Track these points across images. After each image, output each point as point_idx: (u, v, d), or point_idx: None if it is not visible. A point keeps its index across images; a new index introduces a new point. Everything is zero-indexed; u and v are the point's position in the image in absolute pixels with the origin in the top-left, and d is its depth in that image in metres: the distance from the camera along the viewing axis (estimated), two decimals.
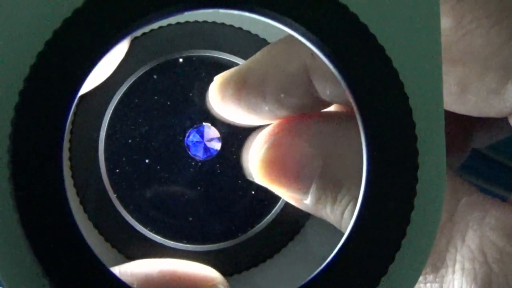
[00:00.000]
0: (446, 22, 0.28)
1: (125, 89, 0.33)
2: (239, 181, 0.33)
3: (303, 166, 0.28)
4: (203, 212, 0.33)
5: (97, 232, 0.32)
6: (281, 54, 0.28)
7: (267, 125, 0.30)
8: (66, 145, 0.32)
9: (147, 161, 0.33)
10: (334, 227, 0.29)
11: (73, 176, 0.32)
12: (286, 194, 0.29)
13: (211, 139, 0.32)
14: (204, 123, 0.32)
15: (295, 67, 0.28)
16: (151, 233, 0.33)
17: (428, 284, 0.28)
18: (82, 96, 0.32)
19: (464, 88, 0.28)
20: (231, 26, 0.33)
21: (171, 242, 0.33)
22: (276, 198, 0.33)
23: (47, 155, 0.23)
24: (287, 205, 0.32)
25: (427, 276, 0.28)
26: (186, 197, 0.33)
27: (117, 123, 0.32)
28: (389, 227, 0.24)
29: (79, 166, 0.32)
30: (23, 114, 0.23)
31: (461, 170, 0.40)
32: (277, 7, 0.24)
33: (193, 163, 0.33)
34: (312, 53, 0.26)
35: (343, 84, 0.24)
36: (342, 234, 0.24)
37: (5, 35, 0.24)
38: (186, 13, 0.24)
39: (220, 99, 0.29)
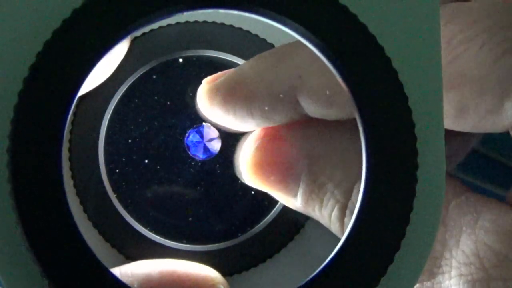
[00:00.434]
0: None
1: (125, 89, 0.33)
2: (239, 181, 0.33)
3: (288, 169, 0.29)
4: (203, 212, 0.33)
5: (96, 232, 0.32)
6: (269, 73, 0.28)
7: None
8: (66, 145, 0.32)
9: (146, 161, 0.33)
10: None
11: (73, 176, 0.32)
12: (278, 196, 0.30)
13: (211, 139, 0.32)
14: (204, 123, 0.32)
15: (282, 87, 0.28)
16: (151, 233, 0.33)
17: None
18: (82, 96, 0.32)
19: (462, 111, 0.28)
20: (231, 26, 0.33)
21: (171, 242, 0.33)
22: (276, 199, 0.33)
23: (47, 155, 0.23)
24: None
25: (424, 282, 0.28)
26: (186, 197, 0.33)
27: (117, 123, 0.32)
28: (389, 227, 0.24)
29: (79, 166, 0.32)
30: (22, 114, 0.23)
31: (456, 169, 0.40)
32: (277, 8, 0.24)
33: (193, 163, 0.33)
34: (301, 75, 0.27)
35: (343, 84, 0.24)
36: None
37: (5, 35, 0.24)
38: (186, 13, 0.24)
39: (208, 105, 0.29)
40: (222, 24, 0.33)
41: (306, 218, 0.33)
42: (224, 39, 0.33)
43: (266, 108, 0.28)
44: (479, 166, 0.45)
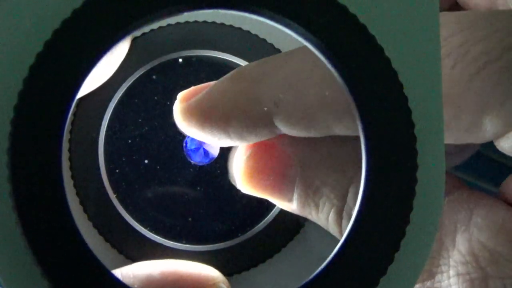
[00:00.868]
0: None
1: (125, 89, 0.33)
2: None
3: (282, 175, 0.29)
4: (203, 212, 0.33)
5: (97, 232, 0.32)
6: (244, 97, 0.28)
7: None
8: (66, 145, 0.32)
9: (146, 161, 0.33)
10: None
11: (73, 176, 0.32)
12: (274, 201, 0.30)
13: (209, 144, 0.32)
14: None
15: (257, 112, 0.28)
16: (151, 233, 0.33)
17: None
18: (82, 96, 0.32)
19: None
20: (231, 26, 0.33)
21: (171, 242, 0.33)
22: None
23: (47, 155, 0.23)
24: None
25: (424, 282, 0.28)
26: (186, 197, 0.33)
27: (117, 124, 0.32)
28: (389, 227, 0.24)
29: (79, 166, 0.32)
30: (22, 114, 0.23)
31: (455, 168, 0.40)
32: (276, 8, 0.24)
33: (193, 163, 0.33)
34: (275, 100, 0.27)
35: (342, 84, 0.24)
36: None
37: (4, 35, 0.24)
38: (186, 13, 0.24)
39: (184, 125, 0.29)
40: (222, 24, 0.33)
41: (306, 218, 0.33)
42: (224, 39, 0.33)
43: (243, 132, 0.28)
44: (473, 164, 0.45)
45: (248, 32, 0.33)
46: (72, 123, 0.32)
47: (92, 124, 0.32)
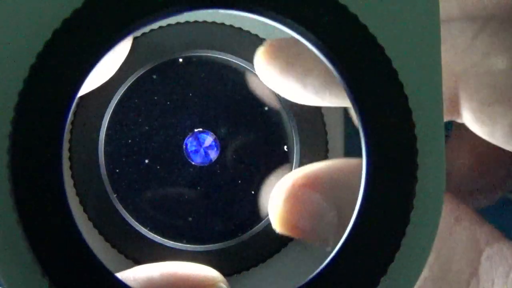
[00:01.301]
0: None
1: (125, 89, 0.33)
2: (239, 181, 0.33)
3: (318, 219, 0.29)
4: (203, 212, 0.33)
5: (97, 232, 0.32)
6: None
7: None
8: (66, 145, 0.32)
9: (147, 161, 0.33)
10: None
11: (73, 176, 0.32)
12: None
13: (209, 145, 0.32)
14: (198, 130, 0.32)
15: None
16: (151, 233, 0.33)
17: None
18: (82, 96, 0.32)
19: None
20: (231, 26, 0.33)
21: (171, 242, 0.33)
22: None
23: (47, 155, 0.23)
24: None
25: None
26: (186, 197, 0.33)
27: (117, 124, 0.32)
28: (389, 227, 0.24)
29: (79, 166, 0.32)
30: (22, 114, 0.23)
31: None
32: (277, 8, 0.24)
33: (193, 163, 0.33)
34: None
35: (343, 84, 0.24)
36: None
37: (5, 35, 0.24)
38: (186, 13, 0.24)
39: (265, 66, 0.29)
40: (222, 24, 0.33)
41: None
42: (224, 39, 0.33)
43: (320, 85, 0.28)
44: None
45: (248, 32, 0.33)
46: (72, 123, 0.32)
47: (92, 124, 0.32)
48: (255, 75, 0.32)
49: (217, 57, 0.33)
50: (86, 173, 0.32)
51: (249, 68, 0.33)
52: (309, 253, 0.33)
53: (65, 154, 0.32)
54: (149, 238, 0.32)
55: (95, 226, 0.32)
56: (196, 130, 0.33)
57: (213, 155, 0.33)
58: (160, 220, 0.33)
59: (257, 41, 0.33)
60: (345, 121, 0.35)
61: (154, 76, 0.33)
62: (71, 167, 0.32)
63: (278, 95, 0.33)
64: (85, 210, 0.32)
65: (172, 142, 0.33)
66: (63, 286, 0.23)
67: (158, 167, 0.33)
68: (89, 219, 0.32)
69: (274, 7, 0.24)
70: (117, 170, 0.32)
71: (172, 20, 0.33)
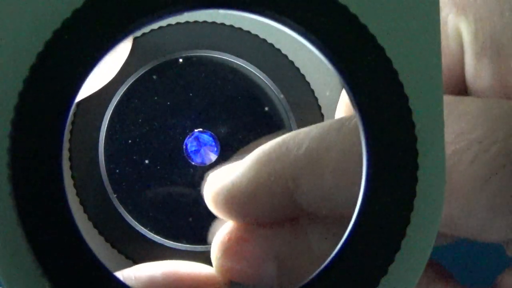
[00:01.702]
0: None
1: (125, 89, 0.33)
2: None
3: (257, 272, 0.29)
4: (203, 212, 0.33)
5: (97, 232, 0.32)
6: (265, 182, 0.28)
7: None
8: (66, 145, 0.32)
9: (147, 161, 0.33)
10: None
11: (73, 176, 0.32)
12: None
13: (209, 145, 0.32)
14: (199, 130, 0.32)
15: (278, 191, 0.27)
16: (151, 233, 0.33)
17: None
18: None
19: (452, 224, 0.28)
20: (231, 26, 0.33)
21: (171, 242, 0.33)
22: None
23: (47, 155, 0.23)
24: None
25: None
26: (186, 197, 0.33)
27: (117, 124, 0.32)
28: (389, 227, 0.24)
29: (79, 166, 0.32)
30: (22, 114, 0.23)
31: None
32: (277, 8, 0.24)
33: (193, 163, 0.33)
34: (294, 178, 0.26)
35: (342, 84, 0.24)
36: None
37: (5, 36, 0.24)
38: (186, 13, 0.24)
39: (215, 212, 0.29)
40: (222, 24, 0.33)
41: None
42: (224, 39, 0.33)
43: (266, 211, 0.28)
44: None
45: (248, 32, 0.33)
46: (73, 123, 0.32)
47: (92, 124, 0.32)
48: (255, 75, 0.32)
49: (217, 57, 0.33)
50: (86, 173, 0.32)
51: (249, 68, 0.33)
52: None
53: (65, 154, 0.32)
54: (149, 238, 0.32)
55: (95, 226, 0.32)
56: (196, 130, 0.33)
57: (213, 155, 0.33)
58: (160, 220, 0.33)
59: (257, 41, 0.33)
60: None
61: (154, 76, 0.33)
62: (71, 167, 0.32)
63: (278, 95, 0.33)
64: (85, 211, 0.32)
65: (172, 142, 0.33)
66: (63, 286, 0.23)
67: (158, 167, 0.33)
68: (89, 219, 0.32)
69: (274, 7, 0.24)
70: (117, 170, 0.32)
71: (172, 20, 0.33)
